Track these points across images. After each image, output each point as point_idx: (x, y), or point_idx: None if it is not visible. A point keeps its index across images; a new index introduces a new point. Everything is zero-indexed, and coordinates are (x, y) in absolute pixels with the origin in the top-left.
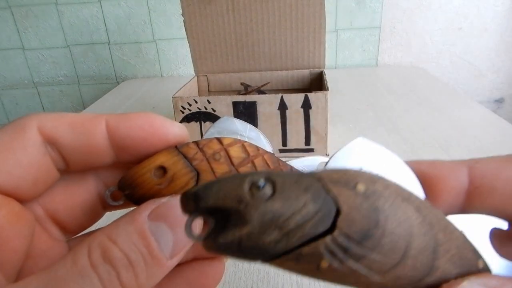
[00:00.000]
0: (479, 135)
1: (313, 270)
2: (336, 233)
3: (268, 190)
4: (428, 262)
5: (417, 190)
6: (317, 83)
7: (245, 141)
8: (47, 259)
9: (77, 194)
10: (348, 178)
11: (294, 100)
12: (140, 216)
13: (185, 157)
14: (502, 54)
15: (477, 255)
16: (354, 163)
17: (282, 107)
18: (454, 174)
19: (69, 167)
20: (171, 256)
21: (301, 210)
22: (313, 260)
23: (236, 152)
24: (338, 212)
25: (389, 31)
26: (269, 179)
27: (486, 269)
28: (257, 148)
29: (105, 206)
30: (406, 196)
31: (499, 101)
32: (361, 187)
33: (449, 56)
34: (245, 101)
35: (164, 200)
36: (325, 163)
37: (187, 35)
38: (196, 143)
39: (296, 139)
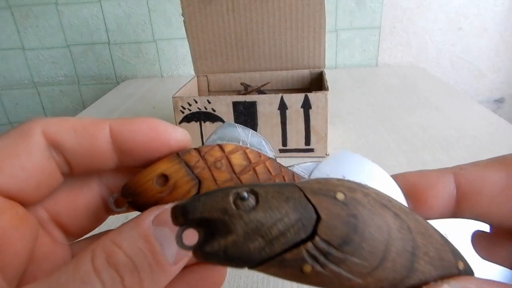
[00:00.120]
0: (479, 135)
1: (297, 274)
2: (316, 239)
3: (251, 201)
4: (407, 264)
5: (398, 197)
6: (317, 83)
7: (247, 148)
8: (50, 262)
9: (81, 198)
10: (328, 188)
11: (294, 100)
12: (144, 222)
13: (187, 165)
14: (502, 54)
15: (456, 257)
16: (337, 173)
17: (282, 107)
18: (442, 182)
19: (73, 171)
20: (175, 262)
21: (282, 218)
22: (296, 265)
23: (237, 160)
24: (318, 220)
25: (389, 31)
26: (252, 191)
27: (467, 270)
28: (259, 154)
29: (108, 209)
30: (385, 202)
31: (499, 101)
32: (340, 196)
33: (449, 56)
34: (245, 101)
35: (167, 206)
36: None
37: (187, 35)
38: (198, 150)
39: (296, 139)
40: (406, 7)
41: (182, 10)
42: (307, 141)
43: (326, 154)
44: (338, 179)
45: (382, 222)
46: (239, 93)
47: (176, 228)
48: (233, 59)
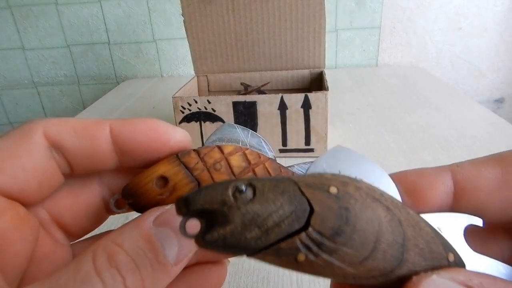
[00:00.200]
0: (479, 135)
1: (291, 262)
2: (310, 230)
3: (249, 194)
4: (398, 255)
5: (393, 191)
6: (317, 83)
7: (247, 149)
8: (50, 262)
9: (81, 198)
10: (322, 182)
11: (294, 100)
12: (145, 222)
13: (186, 167)
14: (502, 54)
15: (447, 249)
16: (333, 169)
17: (282, 107)
18: (439, 180)
19: (73, 171)
20: (176, 262)
21: (278, 210)
22: (290, 254)
23: (237, 161)
24: (312, 212)
25: (389, 31)
26: (250, 184)
27: (457, 262)
28: (259, 155)
29: (108, 210)
30: (377, 196)
31: (499, 101)
32: (333, 190)
33: (449, 56)
34: (245, 101)
35: (167, 207)
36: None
37: (187, 35)
38: (197, 152)
39: (296, 139)
40: (406, 7)
41: (182, 10)
42: (307, 141)
43: None
44: (333, 174)
45: (373, 215)
46: (239, 93)
47: (178, 223)
48: (233, 59)
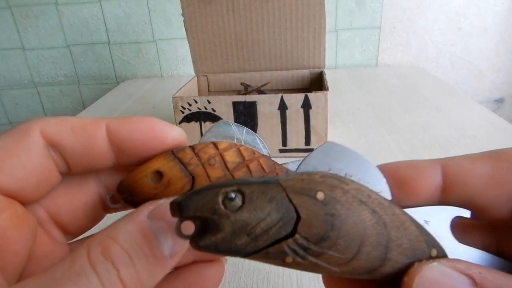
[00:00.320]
0: (479, 135)
1: (280, 263)
2: (296, 236)
3: (238, 201)
4: (381, 256)
5: (382, 187)
6: (317, 83)
7: (241, 145)
8: (48, 261)
9: (79, 197)
10: (310, 187)
11: (294, 100)
12: (139, 216)
13: (181, 162)
14: (502, 54)
15: (430, 245)
16: (324, 166)
17: (282, 107)
18: (430, 173)
19: (71, 169)
20: (171, 255)
21: (265, 218)
22: (278, 257)
23: (231, 157)
24: (298, 219)
25: (389, 31)
26: (240, 191)
27: (440, 256)
28: (253, 151)
29: (106, 208)
30: (364, 198)
31: (499, 101)
32: (320, 195)
33: (449, 56)
34: (245, 101)
35: (161, 201)
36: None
37: (187, 35)
38: (192, 148)
39: (296, 139)
40: (406, 7)
41: (182, 10)
42: (307, 141)
43: None
44: (322, 175)
45: (358, 219)
46: (239, 93)
47: (172, 220)
48: (233, 59)
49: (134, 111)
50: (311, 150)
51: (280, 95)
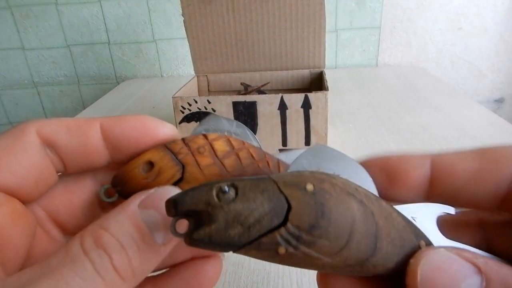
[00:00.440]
0: (479, 135)
1: (273, 255)
2: (288, 225)
3: (232, 194)
4: (371, 245)
5: (368, 185)
6: (317, 83)
7: (231, 136)
8: None
9: (76, 195)
10: (300, 180)
11: (294, 100)
12: (130, 206)
13: (171, 152)
14: (502, 54)
15: (419, 237)
16: (313, 166)
17: (282, 107)
18: (419, 165)
19: (67, 169)
20: (163, 242)
21: (258, 208)
22: (271, 248)
23: (220, 146)
24: (289, 208)
25: (389, 31)
26: (233, 185)
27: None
28: (243, 142)
29: (103, 206)
30: (351, 191)
31: (499, 101)
32: (310, 187)
33: (449, 56)
34: (245, 101)
35: (152, 190)
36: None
37: (187, 35)
38: (183, 139)
39: (296, 139)
40: (406, 7)
41: (182, 10)
42: (307, 141)
43: None
44: (311, 172)
45: (347, 208)
46: (239, 93)
47: (163, 204)
48: (233, 59)
49: (134, 111)
50: None
51: (280, 95)
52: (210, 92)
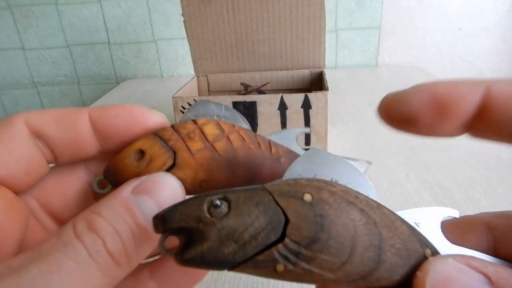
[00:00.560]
0: None
1: (271, 273)
2: (286, 240)
3: (224, 208)
4: (375, 257)
5: (368, 190)
6: (317, 83)
7: (221, 120)
8: None
9: (69, 186)
10: (296, 190)
11: (294, 100)
12: (122, 192)
13: (161, 139)
14: (502, 54)
15: (424, 245)
16: (309, 173)
17: (282, 107)
18: (470, 93)
19: (58, 159)
20: None
21: (253, 223)
22: (269, 265)
23: (210, 130)
24: (287, 222)
25: (389, 31)
26: (225, 198)
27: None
28: (233, 125)
29: (97, 197)
30: (351, 199)
31: None
32: (307, 197)
33: (449, 56)
34: (245, 101)
35: (144, 177)
36: (303, 132)
37: (187, 35)
38: (172, 126)
39: None
40: (406, 7)
41: (182, 10)
42: (307, 141)
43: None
44: (308, 179)
45: (348, 219)
46: (239, 93)
47: (156, 190)
48: (233, 59)
49: None
50: None
51: (280, 95)
52: (210, 92)
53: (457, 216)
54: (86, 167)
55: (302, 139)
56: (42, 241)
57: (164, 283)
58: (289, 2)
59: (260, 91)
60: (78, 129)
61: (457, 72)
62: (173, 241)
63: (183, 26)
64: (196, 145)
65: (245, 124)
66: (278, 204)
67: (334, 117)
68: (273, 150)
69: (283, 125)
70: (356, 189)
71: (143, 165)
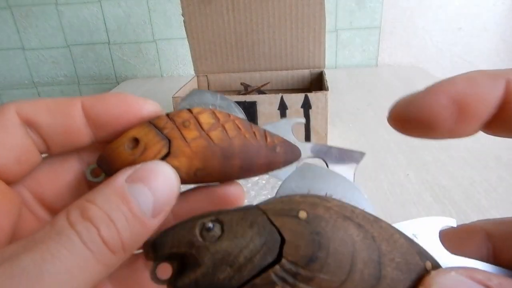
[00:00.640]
0: (479, 135)
1: None
2: (283, 261)
3: (217, 230)
4: (375, 273)
5: (364, 203)
6: (317, 83)
7: (216, 109)
8: None
9: (62, 176)
10: (291, 207)
11: (294, 100)
12: (116, 180)
13: (156, 127)
14: (502, 54)
15: (424, 258)
16: (302, 188)
17: (282, 107)
18: (491, 88)
19: (50, 149)
20: (152, 215)
21: (248, 245)
22: None
23: (205, 119)
24: (283, 242)
25: (389, 31)
26: (218, 220)
27: (436, 269)
28: (228, 114)
29: (90, 186)
30: (348, 214)
31: None
32: (303, 214)
33: (449, 56)
34: (245, 101)
35: (139, 166)
36: (299, 123)
37: (187, 35)
38: (167, 114)
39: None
40: (406, 7)
41: (182, 10)
42: (307, 141)
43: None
44: (301, 196)
45: (346, 235)
46: (239, 93)
47: (151, 178)
48: (233, 59)
49: None
50: None
51: (280, 95)
52: None
53: (455, 225)
54: (79, 157)
55: (301, 132)
56: (35, 231)
57: None
58: (289, 2)
59: (260, 91)
60: (70, 118)
61: (457, 72)
62: (166, 268)
63: (183, 26)
64: (192, 133)
65: (240, 114)
66: (273, 224)
67: (334, 117)
68: (268, 139)
69: None
70: (351, 203)
71: (138, 153)
